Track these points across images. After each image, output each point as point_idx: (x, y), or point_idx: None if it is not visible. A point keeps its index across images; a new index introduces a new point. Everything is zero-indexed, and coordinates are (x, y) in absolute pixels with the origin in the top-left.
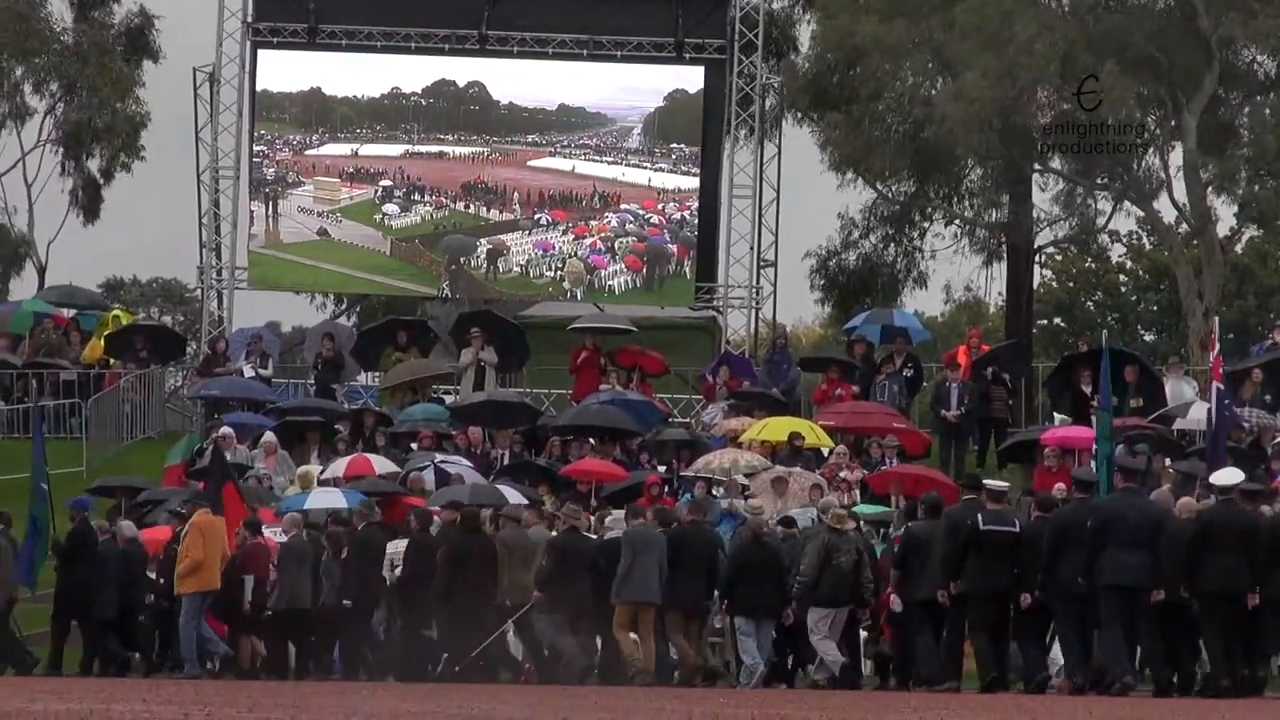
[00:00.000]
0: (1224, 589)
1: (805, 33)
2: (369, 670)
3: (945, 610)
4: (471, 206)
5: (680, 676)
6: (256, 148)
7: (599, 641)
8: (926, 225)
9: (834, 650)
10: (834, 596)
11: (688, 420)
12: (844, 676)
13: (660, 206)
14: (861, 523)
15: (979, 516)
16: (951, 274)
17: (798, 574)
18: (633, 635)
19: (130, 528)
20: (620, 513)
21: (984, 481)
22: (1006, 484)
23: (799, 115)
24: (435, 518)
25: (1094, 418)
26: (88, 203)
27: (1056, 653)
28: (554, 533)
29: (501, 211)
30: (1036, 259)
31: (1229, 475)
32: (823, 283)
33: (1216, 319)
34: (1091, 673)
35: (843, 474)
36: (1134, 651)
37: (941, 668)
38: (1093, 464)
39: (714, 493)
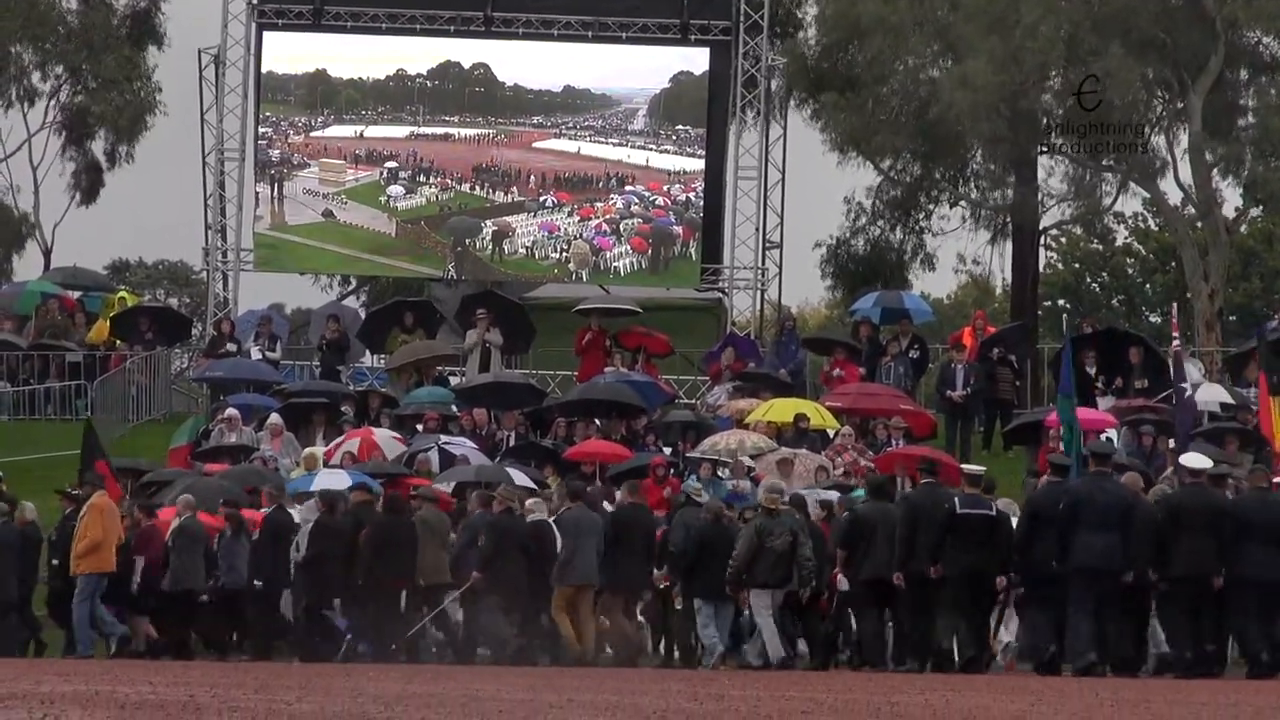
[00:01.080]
0: (1192, 571)
1: (811, 13)
2: (278, 652)
3: (899, 592)
4: (477, 188)
5: (621, 657)
6: (262, 130)
7: (543, 620)
8: (932, 207)
9: (775, 630)
10: (769, 578)
11: (693, 402)
12: (783, 662)
13: (665, 188)
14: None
15: (956, 500)
16: (960, 249)
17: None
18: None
19: (31, 510)
20: (537, 499)
21: (962, 466)
22: (983, 468)
23: (800, 97)
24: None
25: (1055, 404)
26: (88, 186)
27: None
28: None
29: (506, 193)
30: (1042, 240)
31: (1197, 459)
32: (833, 270)
33: (1175, 305)
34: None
35: (864, 461)
36: (1102, 633)
37: (883, 649)
38: (1062, 447)
39: (719, 474)
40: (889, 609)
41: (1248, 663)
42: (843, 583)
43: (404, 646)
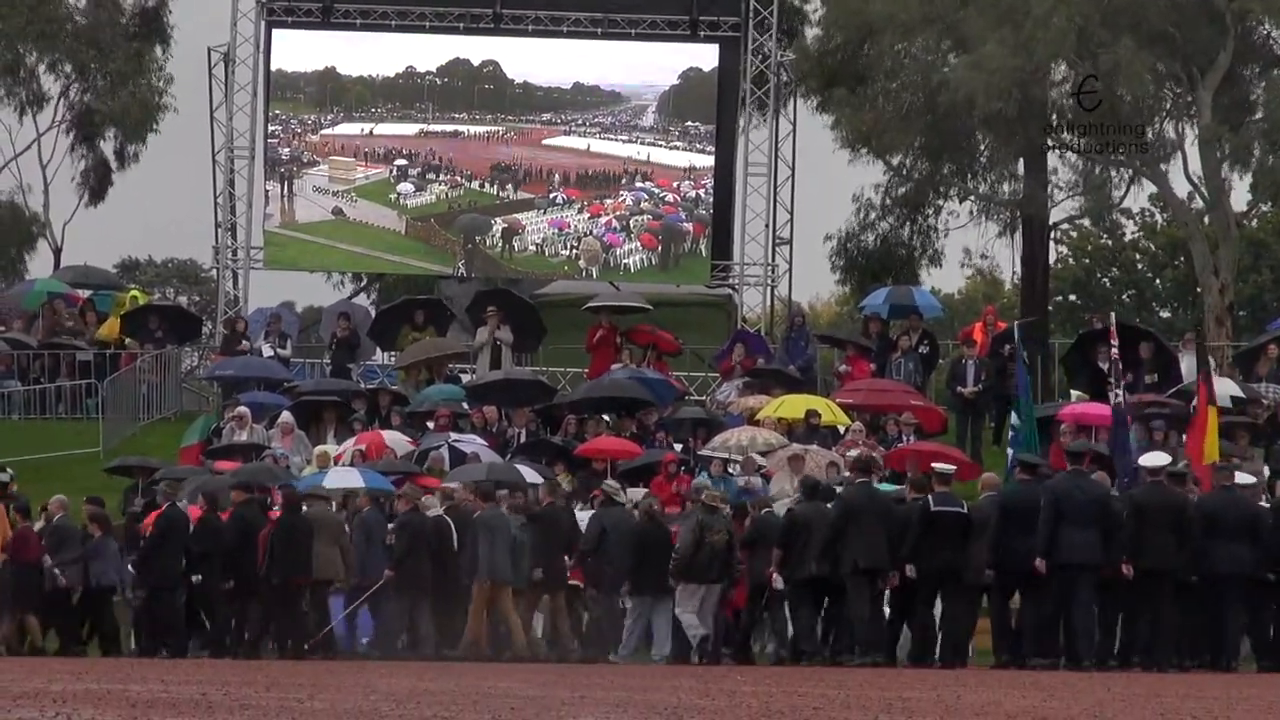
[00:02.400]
0: (1156, 566)
1: (820, 11)
2: (171, 650)
3: (842, 587)
4: (487, 185)
5: (510, 654)
6: (271, 127)
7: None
8: (941, 203)
9: (696, 622)
10: (707, 573)
11: (704, 398)
12: (700, 649)
13: (675, 184)
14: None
15: (929, 499)
16: (968, 243)
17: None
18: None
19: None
20: (432, 497)
21: (933, 465)
22: (954, 467)
23: (808, 92)
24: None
25: (1013, 413)
26: (96, 185)
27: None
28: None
29: (516, 190)
30: (1052, 235)
31: (1156, 458)
32: (842, 264)
33: (1114, 314)
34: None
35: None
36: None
37: (819, 645)
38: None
39: (730, 471)
40: (830, 604)
41: (1225, 652)
42: (778, 581)
43: (319, 644)
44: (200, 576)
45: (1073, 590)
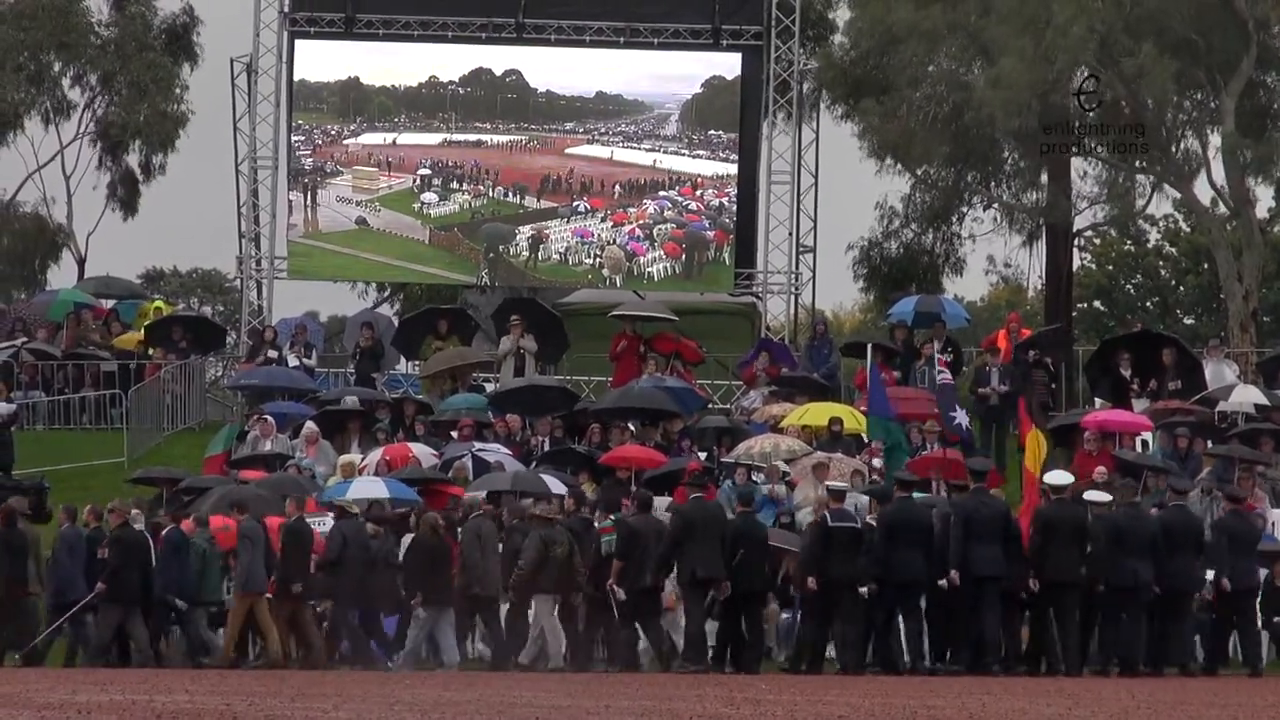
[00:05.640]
0: (1059, 578)
1: (843, 18)
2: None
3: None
4: (510, 195)
5: (265, 661)
6: (294, 138)
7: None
8: (965, 210)
9: (560, 631)
10: (551, 585)
11: (728, 406)
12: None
13: (699, 193)
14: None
15: (826, 515)
16: (993, 253)
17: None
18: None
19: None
20: (138, 511)
21: (827, 484)
22: (848, 485)
23: (831, 102)
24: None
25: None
26: (126, 197)
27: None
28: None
29: (540, 199)
30: (1075, 242)
31: (1059, 476)
32: (865, 272)
33: (945, 331)
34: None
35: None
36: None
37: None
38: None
39: (754, 478)
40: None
41: (1111, 661)
42: (619, 592)
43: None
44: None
45: (980, 602)
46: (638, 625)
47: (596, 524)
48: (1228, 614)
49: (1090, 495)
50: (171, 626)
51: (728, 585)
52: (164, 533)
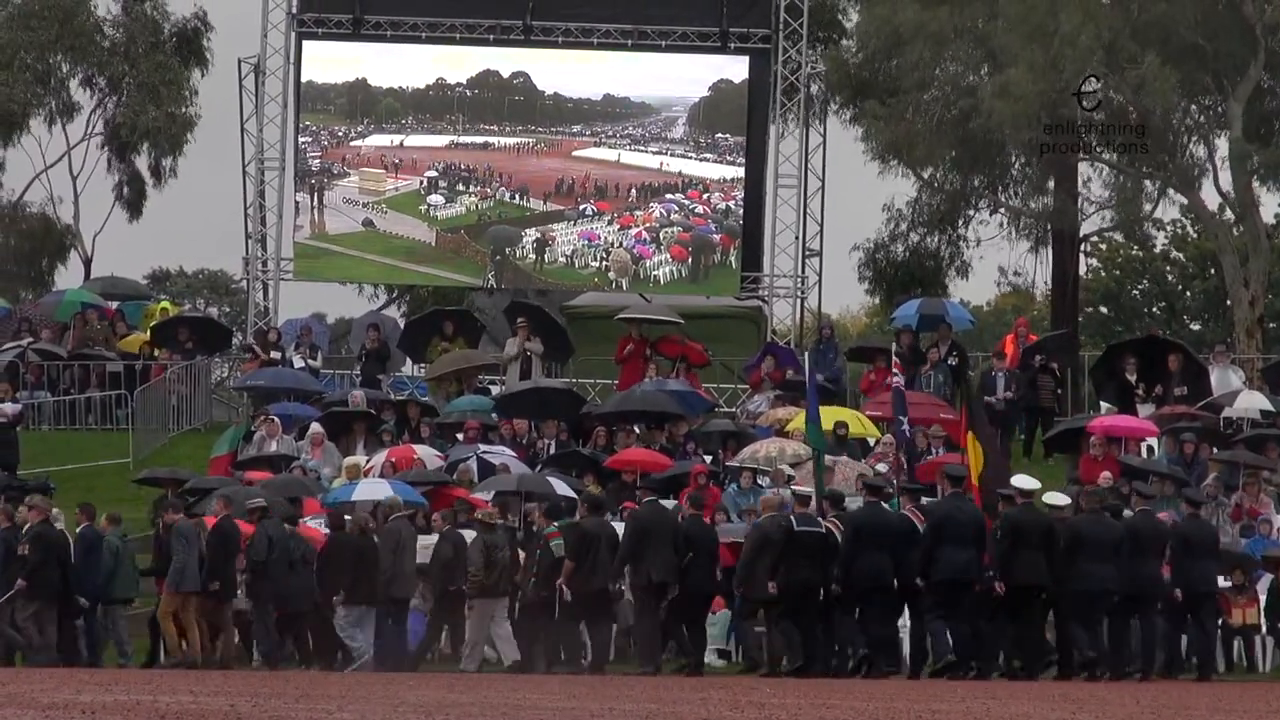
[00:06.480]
0: (1026, 581)
1: (851, 21)
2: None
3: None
4: (516, 197)
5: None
6: (301, 139)
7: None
8: (972, 214)
9: (511, 635)
10: (498, 588)
11: (733, 410)
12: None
13: (705, 196)
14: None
15: (792, 519)
16: (1000, 260)
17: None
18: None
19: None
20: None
21: (792, 488)
22: (811, 489)
23: (839, 105)
24: None
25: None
26: (133, 198)
27: None
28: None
29: (546, 202)
30: (1082, 247)
31: (1026, 481)
32: (870, 274)
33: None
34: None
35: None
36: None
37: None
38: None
39: (759, 482)
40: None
41: (1072, 664)
42: (568, 593)
43: None
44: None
45: (947, 603)
46: (583, 627)
47: (538, 528)
48: (1183, 618)
49: (1050, 499)
50: (79, 622)
51: (676, 588)
52: (79, 530)
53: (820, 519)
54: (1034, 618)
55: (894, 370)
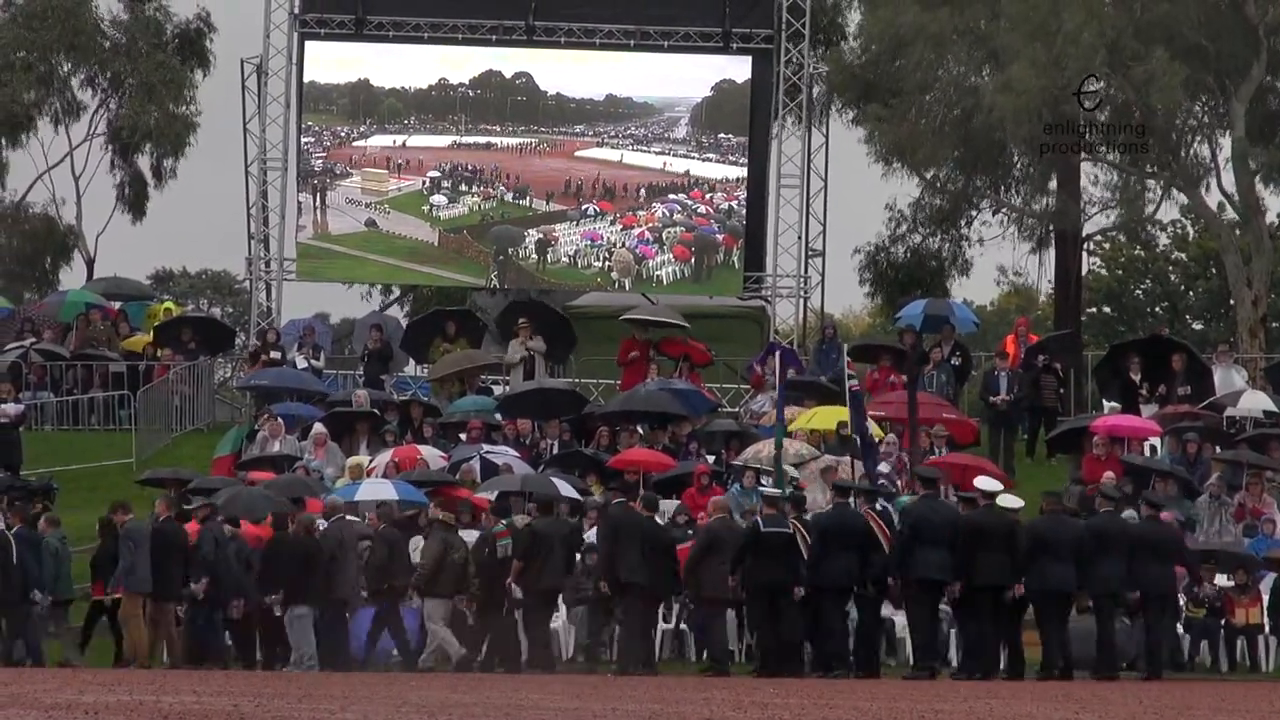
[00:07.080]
0: (989, 581)
1: (853, 21)
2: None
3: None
4: (519, 197)
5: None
6: (304, 139)
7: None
8: (974, 213)
9: (452, 637)
10: (447, 587)
11: (736, 410)
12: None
13: (708, 196)
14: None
15: (758, 520)
16: (1002, 260)
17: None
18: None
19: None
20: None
21: (760, 489)
22: (780, 491)
23: (841, 106)
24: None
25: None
26: (135, 199)
27: None
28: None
29: (549, 202)
30: (1085, 247)
31: (988, 483)
32: (871, 276)
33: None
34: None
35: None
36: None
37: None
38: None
39: (762, 482)
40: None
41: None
42: (516, 591)
43: None
44: None
45: (924, 603)
46: (520, 625)
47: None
48: (1141, 618)
49: (1003, 501)
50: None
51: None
52: (13, 531)
53: (785, 519)
54: (998, 619)
55: (870, 375)
